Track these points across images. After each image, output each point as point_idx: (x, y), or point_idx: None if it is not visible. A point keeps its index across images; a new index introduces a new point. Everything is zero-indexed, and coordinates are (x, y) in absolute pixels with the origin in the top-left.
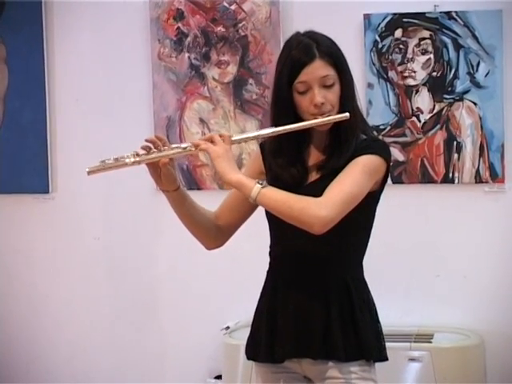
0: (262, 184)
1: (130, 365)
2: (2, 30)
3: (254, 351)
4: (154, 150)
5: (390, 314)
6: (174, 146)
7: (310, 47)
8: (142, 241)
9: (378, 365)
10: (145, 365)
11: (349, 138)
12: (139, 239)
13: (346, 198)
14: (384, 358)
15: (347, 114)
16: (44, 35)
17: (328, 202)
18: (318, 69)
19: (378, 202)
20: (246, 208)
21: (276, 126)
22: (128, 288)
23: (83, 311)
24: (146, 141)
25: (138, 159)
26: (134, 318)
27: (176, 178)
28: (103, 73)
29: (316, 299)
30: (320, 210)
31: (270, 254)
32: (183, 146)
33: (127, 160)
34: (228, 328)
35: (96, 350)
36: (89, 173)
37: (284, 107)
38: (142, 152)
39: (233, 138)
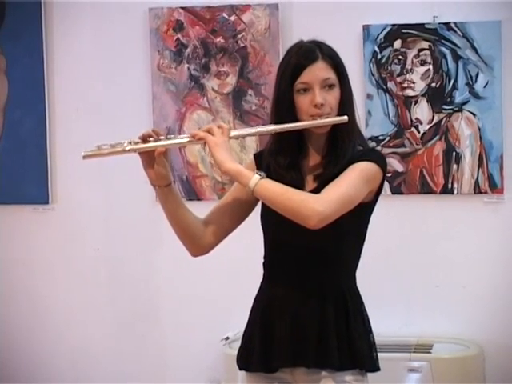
0: (261, 175)
1: (129, 374)
2: (1, 40)
3: (246, 361)
4: (151, 139)
5: (390, 325)
6: (171, 136)
7: (313, 49)
8: (142, 251)
9: (377, 375)
10: (145, 374)
11: (345, 143)
12: (139, 249)
13: (343, 198)
14: (377, 369)
15: (345, 117)
16: (44, 46)
17: (326, 199)
18: (320, 70)
19: (371, 213)
20: (236, 216)
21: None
22: (128, 298)
23: (84, 321)
24: (143, 134)
25: (134, 146)
26: (133, 327)
27: (169, 173)
28: (103, 83)
29: (313, 308)
30: (318, 205)
31: (265, 264)
32: (181, 136)
33: (123, 146)
34: (228, 338)
35: (96, 359)
36: (84, 157)
37: (284, 108)
38: (138, 140)
39: (232, 133)
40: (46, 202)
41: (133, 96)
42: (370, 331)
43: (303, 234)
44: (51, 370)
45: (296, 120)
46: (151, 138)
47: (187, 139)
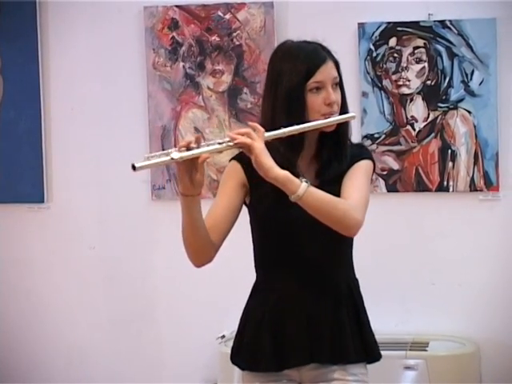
0: (307, 182)
1: (125, 373)
2: None
3: (252, 361)
4: (194, 145)
5: (386, 322)
6: (210, 142)
7: (319, 49)
8: (138, 250)
9: (373, 373)
10: (141, 373)
11: (345, 143)
12: (135, 248)
13: (366, 203)
14: (379, 358)
15: (354, 114)
16: (39, 45)
17: (358, 205)
18: (331, 69)
19: None
20: (232, 221)
21: (284, 126)
22: (124, 297)
23: (79, 320)
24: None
25: (182, 154)
26: (130, 326)
27: (204, 181)
28: (98, 82)
29: (327, 305)
30: (357, 214)
31: (265, 265)
32: (220, 141)
33: (172, 155)
34: (223, 337)
35: (92, 358)
36: (136, 169)
37: (297, 107)
38: (182, 148)
39: (265, 135)
40: (42, 201)
41: (128, 95)
42: (369, 320)
43: (311, 232)
44: (47, 368)
45: (306, 119)
46: (193, 145)
47: (229, 144)
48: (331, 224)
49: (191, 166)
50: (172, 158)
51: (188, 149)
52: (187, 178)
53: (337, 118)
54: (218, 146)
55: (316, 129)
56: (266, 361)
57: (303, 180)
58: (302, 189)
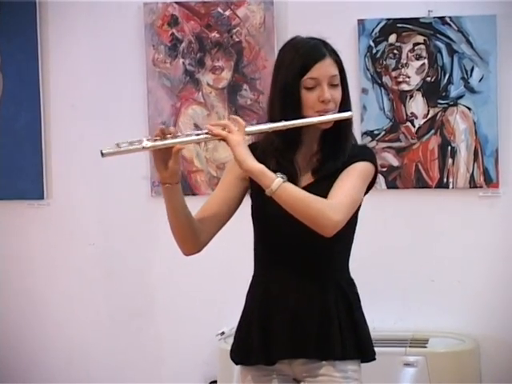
0: (283, 178)
1: (125, 370)
2: None
3: (244, 355)
4: (169, 135)
5: (385, 319)
6: (188, 133)
7: (320, 46)
8: (138, 246)
9: (373, 370)
10: (140, 370)
11: (346, 140)
12: (134, 244)
13: (351, 204)
14: (374, 358)
15: (351, 113)
16: (39, 41)
17: (338, 207)
18: (329, 66)
19: (360, 206)
20: (227, 214)
21: (279, 120)
22: (124, 294)
23: (79, 316)
24: (160, 129)
25: (153, 144)
26: (129, 323)
27: (180, 170)
28: (98, 79)
29: (313, 300)
30: (334, 214)
31: (259, 259)
32: (197, 132)
33: (144, 144)
34: (223, 333)
35: (93, 355)
36: (103, 155)
37: (291, 103)
38: (156, 137)
39: (246, 129)
40: (41, 198)
41: (128, 91)
42: (366, 321)
43: (301, 229)
44: (46, 366)
45: (301, 115)
46: (169, 135)
47: (205, 136)
48: (306, 222)
49: (167, 156)
50: (143, 147)
51: (163, 138)
52: (162, 166)
53: (330, 117)
54: (194, 138)
55: (311, 125)
56: (256, 355)
57: (279, 175)
58: (275, 184)
